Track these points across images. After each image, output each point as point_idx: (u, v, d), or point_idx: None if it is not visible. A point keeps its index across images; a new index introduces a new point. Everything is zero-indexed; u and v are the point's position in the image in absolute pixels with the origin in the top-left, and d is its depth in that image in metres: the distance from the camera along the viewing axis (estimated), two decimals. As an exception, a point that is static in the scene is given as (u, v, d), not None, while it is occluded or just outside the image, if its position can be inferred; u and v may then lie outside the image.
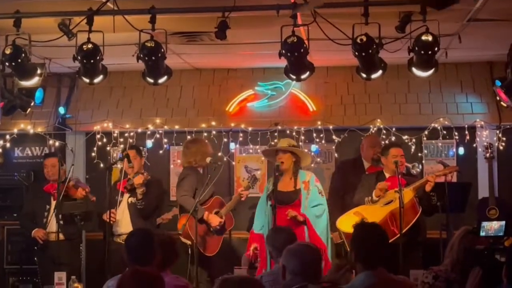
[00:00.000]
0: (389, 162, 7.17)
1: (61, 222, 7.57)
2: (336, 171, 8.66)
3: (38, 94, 7.87)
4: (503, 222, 6.55)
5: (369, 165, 8.14)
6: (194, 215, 7.22)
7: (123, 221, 7.65)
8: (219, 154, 8.82)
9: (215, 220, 7.44)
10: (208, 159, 7.61)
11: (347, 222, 7.14)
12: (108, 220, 7.27)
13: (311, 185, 7.29)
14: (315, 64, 6.57)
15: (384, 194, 7.01)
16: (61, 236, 7.68)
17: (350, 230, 6.76)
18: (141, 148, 8.34)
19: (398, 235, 6.57)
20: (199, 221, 7.34)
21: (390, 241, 6.00)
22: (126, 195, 7.66)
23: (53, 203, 7.80)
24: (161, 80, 6.70)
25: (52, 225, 7.76)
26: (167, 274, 4.71)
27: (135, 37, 6.39)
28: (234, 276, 4.11)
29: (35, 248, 8.12)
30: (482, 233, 6.63)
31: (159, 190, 7.84)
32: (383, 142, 8.47)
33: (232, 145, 9.06)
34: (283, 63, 6.44)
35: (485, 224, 6.57)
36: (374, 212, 6.99)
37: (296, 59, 6.21)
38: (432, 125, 8.71)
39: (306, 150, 8.17)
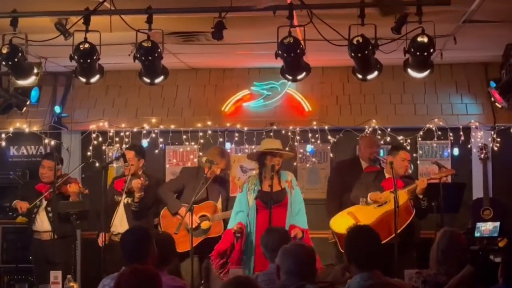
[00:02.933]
0: (397, 161, 7.18)
1: (52, 221, 7.56)
2: (334, 171, 8.68)
3: (34, 93, 7.86)
4: (498, 223, 6.61)
5: (367, 165, 8.17)
6: (169, 209, 7.55)
7: (120, 221, 7.64)
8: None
9: (190, 220, 7.23)
10: (204, 159, 7.61)
11: (340, 222, 7.17)
12: (101, 244, 7.30)
13: (293, 184, 7.30)
14: (311, 64, 6.56)
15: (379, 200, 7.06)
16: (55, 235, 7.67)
17: (343, 230, 6.85)
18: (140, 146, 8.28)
19: (392, 235, 6.59)
20: (174, 214, 7.46)
21: (384, 241, 6.05)
22: (124, 195, 7.65)
23: (44, 202, 7.79)
24: (157, 80, 6.69)
25: (46, 224, 7.77)
26: (163, 274, 4.70)
27: (131, 36, 6.38)
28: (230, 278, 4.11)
29: (31, 246, 8.14)
30: (477, 234, 6.70)
31: (156, 190, 7.81)
32: (381, 142, 8.53)
33: (227, 145, 9.07)
34: (279, 63, 6.44)
35: (480, 225, 6.63)
36: (368, 213, 7.02)
37: (293, 60, 6.21)
38: (427, 125, 8.75)
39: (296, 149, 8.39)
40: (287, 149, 8.11)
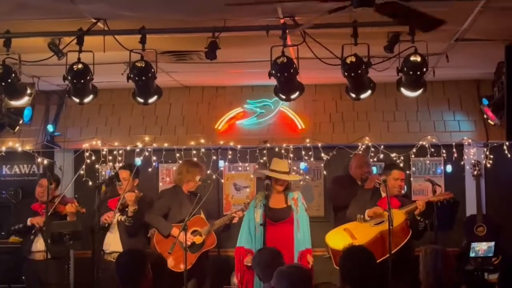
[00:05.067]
0: (390, 181, 7.15)
1: (49, 241, 7.51)
2: (332, 186, 8.65)
3: (27, 112, 7.84)
4: (492, 243, 6.60)
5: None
6: (161, 232, 7.41)
7: (114, 239, 7.61)
8: (208, 171, 8.81)
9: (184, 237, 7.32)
10: (197, 178, 7.59)
11: (335, 238, 7.14)
12: (104, 222, 7.33)
13: (299, 202, 7.34)
14: (304, 82, 6.58)
15: (377, 216, 7.04)
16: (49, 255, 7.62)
17: (337, 246, 6.84)
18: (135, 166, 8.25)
19: (387, 255, 6.57)
20: (167, 236, 7.39)
21: (378, 261, 6.04)
22: (118, 213, 7.62)
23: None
24: (151, 100, 6.69)
25: (40, 244, 7.72)
26: (157, 295, 4.71)
27: (125, 55, 6.39)
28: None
29: (23, 266, 8.09)
30: (472, 254, 6.69)
31: (149, 208, 7.79)
32: (371, 160, 8.53)
33: (221, 163, 9.08)
34: (272, 81, 6.44)
35: (475, 245, 6.62)
36: (364, 230, 6.99)
37: (286, 80, 6.22)
38: (420, 142, 8.75)
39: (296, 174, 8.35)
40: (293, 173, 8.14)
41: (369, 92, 6.45)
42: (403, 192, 7.67)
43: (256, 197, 7.47)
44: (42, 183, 7.84)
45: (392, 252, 6.55)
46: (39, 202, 7.84)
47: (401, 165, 8.66)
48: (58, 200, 7.69)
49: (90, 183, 8.90)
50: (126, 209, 7.53)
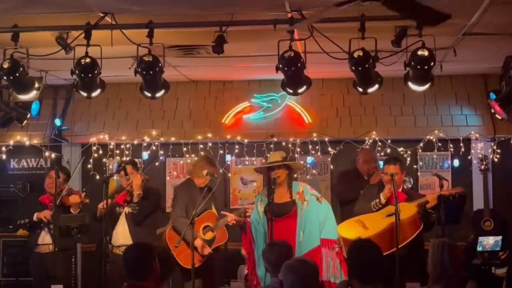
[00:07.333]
0: (384, 177, 7.15)
1: (53, 234, 7.53)
2: (338, 181, 8.64)
3: (34, 106, 7.85)
4: (500, 237, 6.59)
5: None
6: (185, 238, 7.20)
7: (122, 233, 7.62)
8: (215, 165, 8.82)
9: (199, 245, 7.33)
10: (204, 172, 7.59)
11: (347, 228, 7.08)
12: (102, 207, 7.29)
13: (306, 195, 7.20)
14: (311, 77, 6.57)
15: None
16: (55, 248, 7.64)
17: (349, 236, 6.81)
18: (137, 160, 8.28)
19: (394, 249, 6.55)
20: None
21: (387, 252, 6.03)
22: (126, 208, 7.63)
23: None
24: (158, 94, 6.70)
25: (47, 237, 7.75)
26: (164, 287, 4.73)
27: (132, 49, 6.39)
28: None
29: (30, 260, 8.12)
30: (479, 248, 6.69)
31: (156, 199, 7.80)
32: (378, 155, 8.52)
33: (228, 157, 9.10)
34: (279, 75, 6.44)
35: (482, 239, 6.63)
36: (375, 221, 6.96)
37: (293, 74, 6.22)
38: (427, 137, 8.76)
39: (296, 161, 8.27)
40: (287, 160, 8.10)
41: (376, 86, 6.44)
42: (409, 185, 7.61)
43: (262, 192, 7.45)
44: (51, 174, 7.86)
45: (402, 244, 6.54)
46: (47, 194, 7.87)
47: (408, 159, 8.69)
48: (65, 191, 7.71)
49: (98, 177, 8.93)
50: (133, 193, 7.53)
